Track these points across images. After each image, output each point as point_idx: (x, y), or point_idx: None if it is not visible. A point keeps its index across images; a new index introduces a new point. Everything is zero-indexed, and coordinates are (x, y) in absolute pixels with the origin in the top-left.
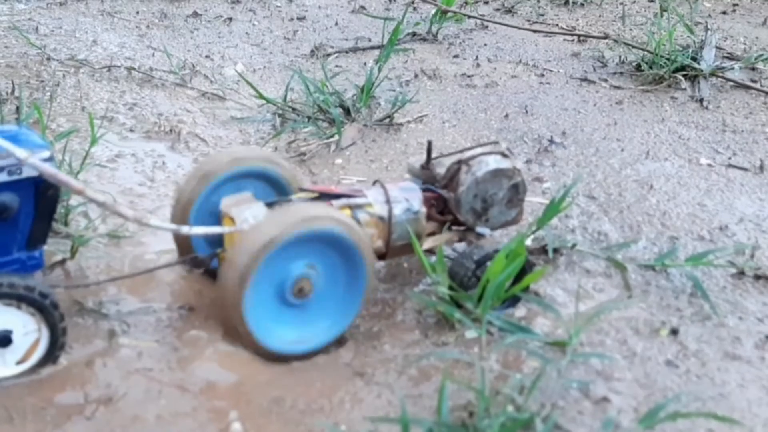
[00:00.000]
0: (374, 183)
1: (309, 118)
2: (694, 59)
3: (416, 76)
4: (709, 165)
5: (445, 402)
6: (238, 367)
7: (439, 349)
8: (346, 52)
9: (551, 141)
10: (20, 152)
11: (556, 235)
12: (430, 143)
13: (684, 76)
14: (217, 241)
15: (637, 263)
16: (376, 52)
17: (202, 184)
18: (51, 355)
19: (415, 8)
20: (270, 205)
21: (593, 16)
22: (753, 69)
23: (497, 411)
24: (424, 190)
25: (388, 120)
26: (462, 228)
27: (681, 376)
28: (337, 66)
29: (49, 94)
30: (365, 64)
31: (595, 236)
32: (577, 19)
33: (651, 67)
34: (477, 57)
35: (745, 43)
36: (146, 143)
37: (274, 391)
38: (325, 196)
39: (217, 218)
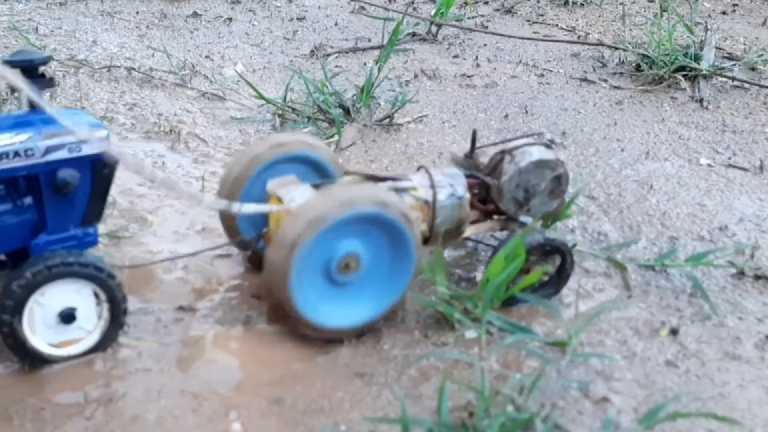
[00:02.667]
0: (419, 168)
1: (309, 118)
2: (694, 59)
3: (416, 76)
4: (709, 165)
5: (445, 402)
6: (238, 367)
7: (439, 350)
8: (346, 52)
9: (551, 141)
10: (83, 132)
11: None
12: (474, 132)
13: (684, 76)
14: (263, 224)
15: (637, 263)
16: (376, 52)
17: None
18: (95, 349)
19: (415, 8)
20: (316, 186)
21: (593, 16)
22: (753, 69)
23: (497, 411)
24: (468, 177)
25: (387, 120)
26: (504, 217)
27: (681, 376)
28: (337, 66)
29: (49, 94)
30: (365, 64)
31: (595, 236)
32: (577, 20)
33: (651, 68)
34: (477, 57)
35: (744, 44)
36: (146, 143)
37: (274, 391)
38: (370, 179)
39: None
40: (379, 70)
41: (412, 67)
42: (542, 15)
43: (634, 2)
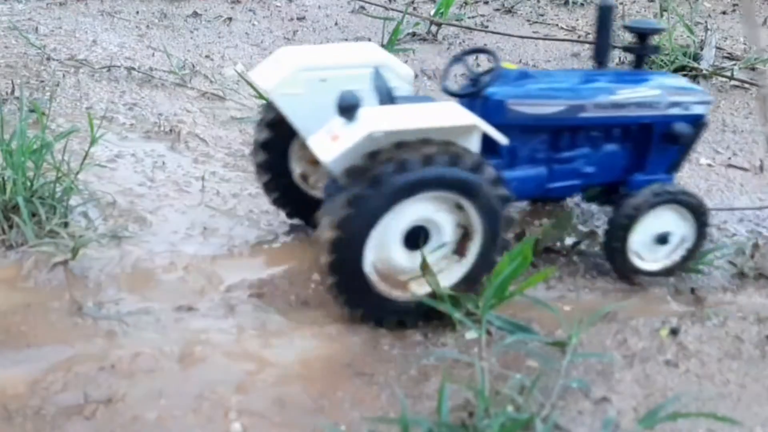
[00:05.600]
0: None
1: None
2: (694, 59)
3: (416, 76)
4: (709, 165)
5: (445, 402)
6: (239, 367)
7: (439, 350)
8: None
9: None
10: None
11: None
12: None
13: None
14: None
15: None
16: None
17: None
18: (678, 263)
19: (415, 8)
20: None
21: (593, 16)
22: (753, 69)
23: (497, 411)
24: None
25: None
26: None
27: (681, 376)
28: None
29: (49, 94)
30: None
31: (596, 236)
32: (577, 19)
33: (651, 67)
34: (477, 57)
35: (744, 44)
36: (146, 143)
37: (274, 391)
38: None
39: None
40: None
41: (412, 67)
42: (542, 15)
43: (634, 2)
